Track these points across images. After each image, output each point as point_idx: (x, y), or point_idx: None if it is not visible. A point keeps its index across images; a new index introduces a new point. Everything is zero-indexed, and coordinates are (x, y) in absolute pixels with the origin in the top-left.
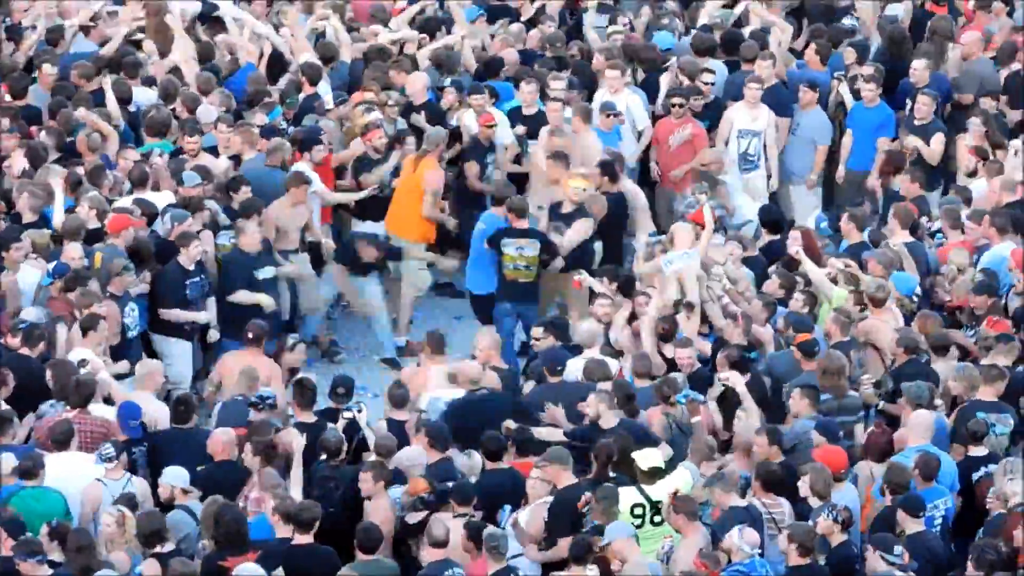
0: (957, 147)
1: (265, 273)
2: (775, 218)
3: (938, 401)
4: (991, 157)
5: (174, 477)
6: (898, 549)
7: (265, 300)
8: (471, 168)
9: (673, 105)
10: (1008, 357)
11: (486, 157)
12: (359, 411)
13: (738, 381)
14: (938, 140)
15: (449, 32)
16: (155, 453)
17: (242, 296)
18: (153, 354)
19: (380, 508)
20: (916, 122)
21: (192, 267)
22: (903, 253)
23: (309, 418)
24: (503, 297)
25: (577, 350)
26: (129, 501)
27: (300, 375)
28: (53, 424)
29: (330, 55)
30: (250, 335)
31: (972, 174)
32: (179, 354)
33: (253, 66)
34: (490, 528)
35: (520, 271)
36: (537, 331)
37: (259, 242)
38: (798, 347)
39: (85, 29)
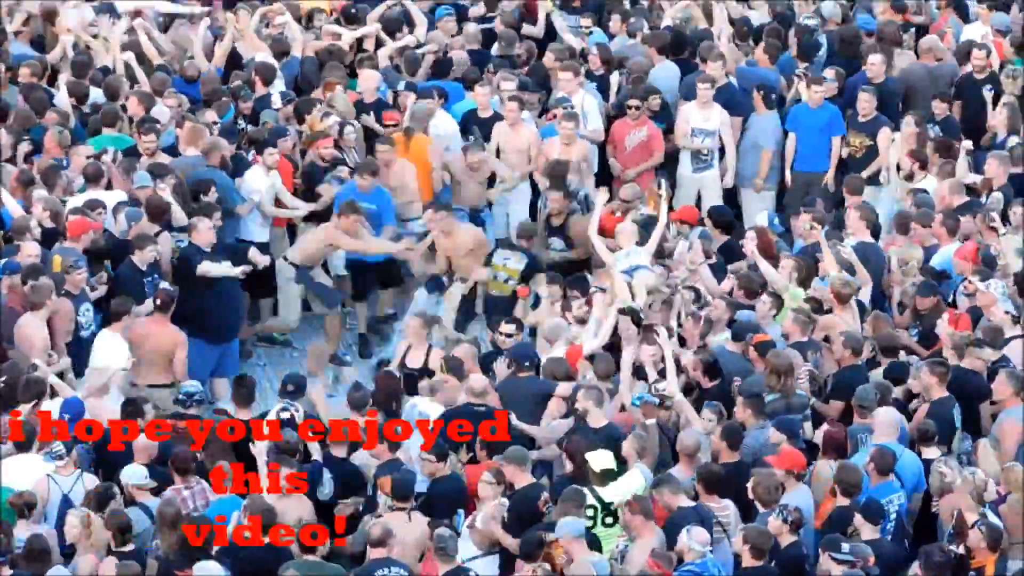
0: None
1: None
2: (727, 219)
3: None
4: (930, 161)
5: (130, 476)
6: (845, 547)
7: (235, 270)
8: None
9: (630, 107)
10: (979, 362)
11: None
12: (296, 410)
13: (675, 391)
14: (884, 136)
15: (411, 31)
16: (105, 451)
17: (208, 268)
18: None
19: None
20: (860, 119)
21: (145, 268)
22: (851, 256)
23: (246, 415)
24: (486, 310)
25: None
26: (101, 496)
27: (241, 373)
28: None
29: (283, 50)
30: (158, 301)
31: (909, 178)
32: None
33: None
34: (439, 529)
35: (499, 282)
36: (508, 327)
37: (213, 238)
38: (754, 347)
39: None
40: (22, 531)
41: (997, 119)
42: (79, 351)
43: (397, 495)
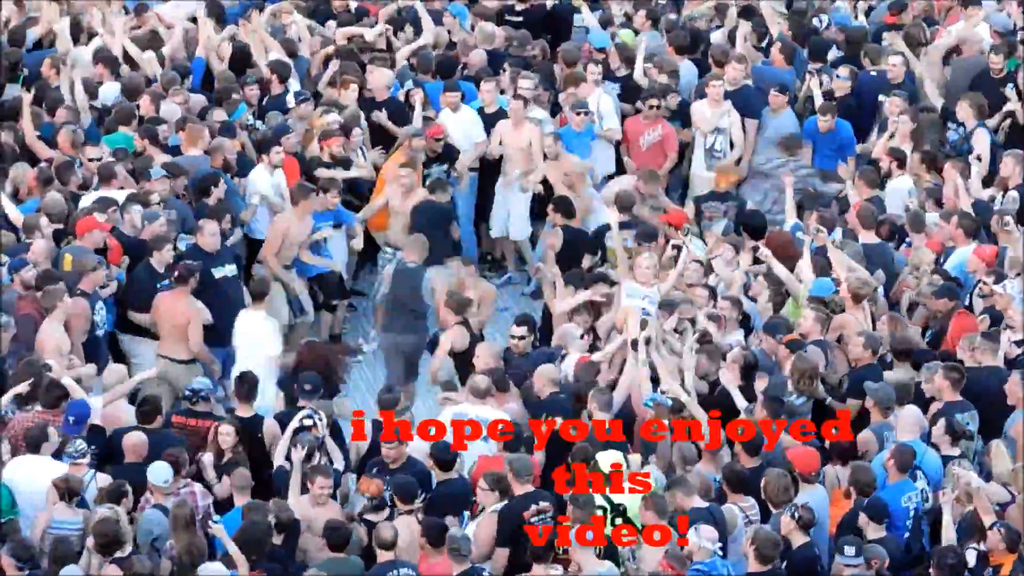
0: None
1: (223, 271)
2: (758, 223)
3: None
4: (907, 160)
5: (155, 475)
6: (849, 550)
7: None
8: None
9: (649, 107)
10: (991, 357)
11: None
12: (320, 419)
13: (679, 392)
14: None
15: (417, 31)
16: (116, 451)
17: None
18: (119, 354)
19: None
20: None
21: (162, 270)
22: (838, 257)
23: (247, 412)
24: None
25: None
26: (113, 494)
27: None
28: (31, 427)
29: (292, 50)
30: (177, 273)
31: (887, 176)
32: (147, 354)
33: (203, 60)
34: (452, 530)
35: None
36: (520, 330)
37: (218, 242)
38: (786, 345)
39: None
40: (65, 515)
41: (961, 108)
42: (95, 351)
43: (403, 497)
